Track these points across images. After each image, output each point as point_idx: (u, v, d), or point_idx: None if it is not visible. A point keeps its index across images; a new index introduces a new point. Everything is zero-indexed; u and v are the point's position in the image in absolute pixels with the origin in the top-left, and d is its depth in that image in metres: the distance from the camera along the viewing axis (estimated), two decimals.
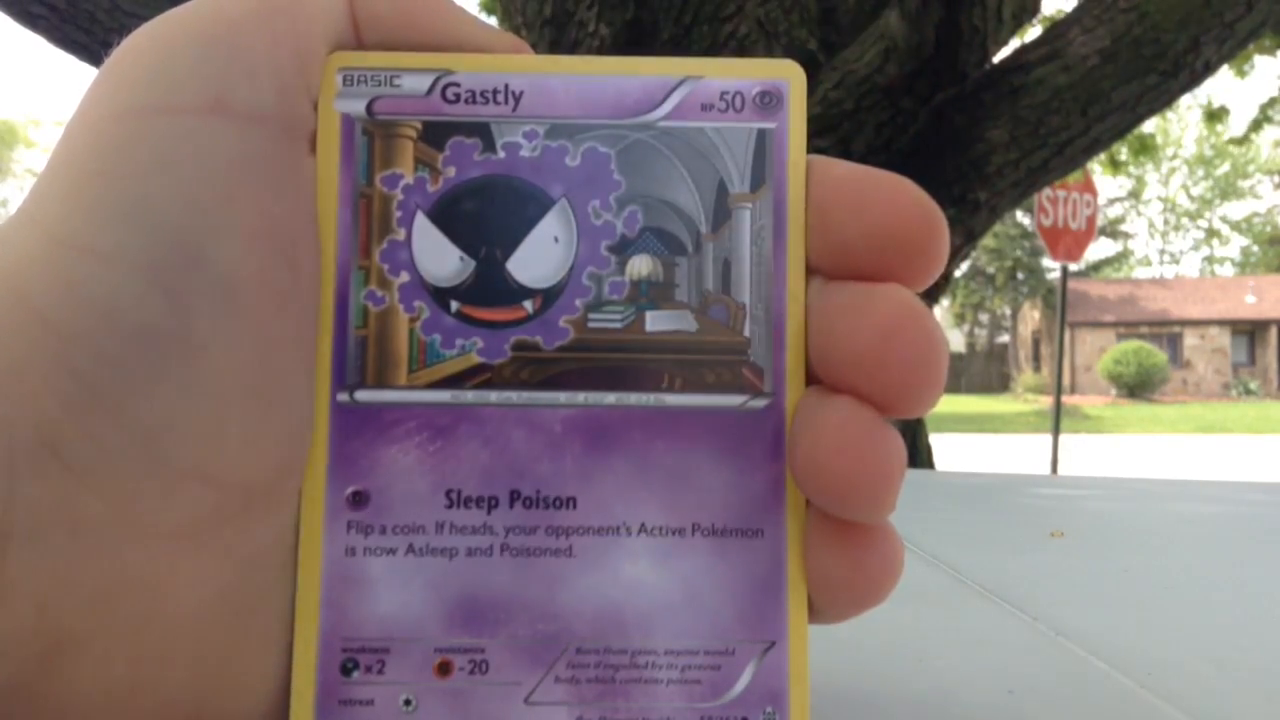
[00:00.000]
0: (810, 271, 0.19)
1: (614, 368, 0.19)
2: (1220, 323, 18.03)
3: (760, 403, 0.19)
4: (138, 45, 0.18)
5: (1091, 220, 4.19)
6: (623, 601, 0.18)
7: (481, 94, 0.19)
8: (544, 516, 0.18)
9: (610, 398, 0.19)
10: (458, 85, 0.19)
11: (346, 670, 0.18)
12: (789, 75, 0.20)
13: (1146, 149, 3.77)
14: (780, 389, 0.19)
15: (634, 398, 0.19)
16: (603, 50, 1.86)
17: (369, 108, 0.19)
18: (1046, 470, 4.33)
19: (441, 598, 0.18)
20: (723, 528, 0.19)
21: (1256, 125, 4.42)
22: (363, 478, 0.18)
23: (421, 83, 0.19)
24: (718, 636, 0.18)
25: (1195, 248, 26.94)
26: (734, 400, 0.19)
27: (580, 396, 0.19)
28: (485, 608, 0.18)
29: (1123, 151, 3.73)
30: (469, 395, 0.19)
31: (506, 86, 0.19)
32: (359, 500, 0.18)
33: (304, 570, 0.18)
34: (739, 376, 0.19)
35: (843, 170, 0.19)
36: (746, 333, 0.19)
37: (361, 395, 0.19)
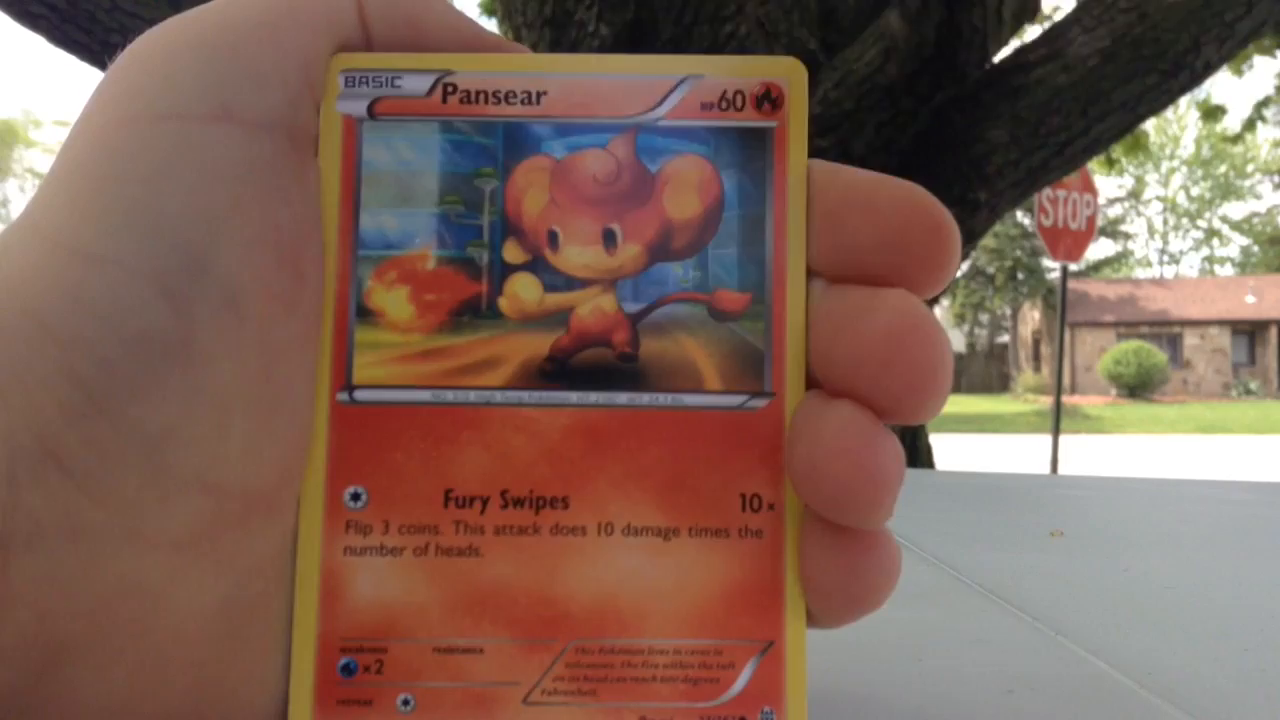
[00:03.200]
0: (813, 274, 0.19)
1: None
2: (1220, 323, 18.02)
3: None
4: (144, 51, 0.18)
5: (1091, 220, 4.18)
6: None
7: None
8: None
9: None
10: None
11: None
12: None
13: (1139, 145, 3.77)
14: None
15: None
16: (603, 50, 1.86)
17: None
18: (1046, 470, 4.33)
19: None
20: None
21: (1250, 124, 4.43)
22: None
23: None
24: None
25: (1195, 248, 26.93)
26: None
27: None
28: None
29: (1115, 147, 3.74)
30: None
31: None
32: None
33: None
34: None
35: (854, 174, 0.19)
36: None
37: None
